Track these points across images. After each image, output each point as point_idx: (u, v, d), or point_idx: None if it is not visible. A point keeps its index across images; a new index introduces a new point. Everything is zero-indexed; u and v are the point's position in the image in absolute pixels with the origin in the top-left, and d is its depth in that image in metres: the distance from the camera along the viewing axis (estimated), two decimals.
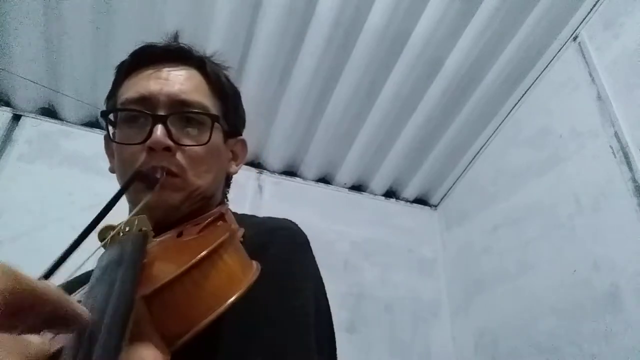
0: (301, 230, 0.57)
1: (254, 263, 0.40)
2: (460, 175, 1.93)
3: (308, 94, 1.62)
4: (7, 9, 1.37)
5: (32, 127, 1.61)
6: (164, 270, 0.34)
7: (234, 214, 0.58)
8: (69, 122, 1.66)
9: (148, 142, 0.52)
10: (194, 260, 0.32)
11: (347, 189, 1.99)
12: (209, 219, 0.50)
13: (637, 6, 1.24)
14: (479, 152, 1.84)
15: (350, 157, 1.86)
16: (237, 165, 0.67)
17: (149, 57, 0.59)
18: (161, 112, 0.54)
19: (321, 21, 1.42)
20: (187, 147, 0.55)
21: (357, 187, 2.01)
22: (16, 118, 1.60)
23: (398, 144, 1.81)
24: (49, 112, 1.65)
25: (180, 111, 0.55)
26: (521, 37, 1.48)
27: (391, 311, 1.74)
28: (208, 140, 0.55)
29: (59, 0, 1.36)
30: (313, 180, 1.94)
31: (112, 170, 0.61)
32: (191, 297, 0.32)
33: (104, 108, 0.62)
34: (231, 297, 0.34)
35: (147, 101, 0.55)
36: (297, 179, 1.93)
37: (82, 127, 1.66)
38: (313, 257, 0.56)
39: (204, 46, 0.64)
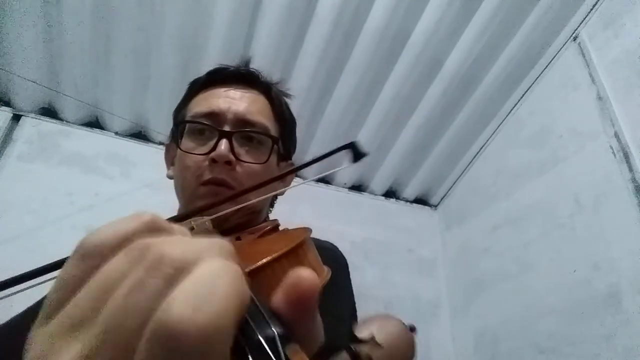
0: (342, 254, 0.63)
1: (325, 267, 0.41)
2: (460, 175, 1.93)
3: (308, 94, 1.62)
4: (6, 9, 1.37)
5: (32, 127, 1.61)
6: (253, 257, 0.34)
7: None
8: (69, 122, 1.65)
9: (212, 154, 0.56)
10: (285, 249, 0.34)
11: (347, 189, 1.99)
12: (265, 229, 0.53)
13: (637, 6, 1.24)
14: (479, 152, 1.84)
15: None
16: (284, 187, 0.70)
17: (222, 77, 0.64)
18: (227, 128, 0.58)
19: (321, 21, 1.42)
20: (247, 164, 0.58)
21: (357, 187, 2.01)
22: (16, 118, 1.60)
23: (398, 144, 1.81)
24: (49, 112, 1.65)
25: (244, 129, 0.59)
26: (521, 37, 1.48)
27: (391, 311, 1.72)
28: (267, 160, 0.60)
29: (59, 0, 1.36)
30: (313, 180, 1.94)
31: (169, 177, 0.66)
32: (278, 285, 0.33)
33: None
34: None
35: (215, 117, 0.59)
36: (297, 179, 1.93)
37: (82, 127, 1.66)
38: (350, 282, 0.62)
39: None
